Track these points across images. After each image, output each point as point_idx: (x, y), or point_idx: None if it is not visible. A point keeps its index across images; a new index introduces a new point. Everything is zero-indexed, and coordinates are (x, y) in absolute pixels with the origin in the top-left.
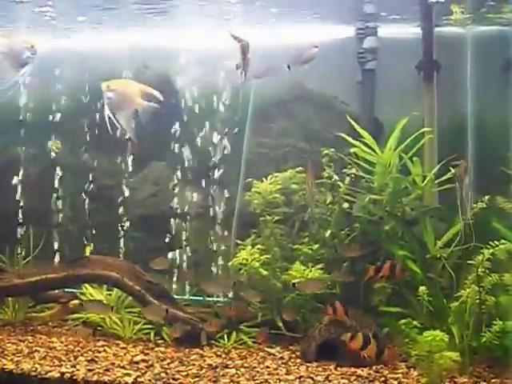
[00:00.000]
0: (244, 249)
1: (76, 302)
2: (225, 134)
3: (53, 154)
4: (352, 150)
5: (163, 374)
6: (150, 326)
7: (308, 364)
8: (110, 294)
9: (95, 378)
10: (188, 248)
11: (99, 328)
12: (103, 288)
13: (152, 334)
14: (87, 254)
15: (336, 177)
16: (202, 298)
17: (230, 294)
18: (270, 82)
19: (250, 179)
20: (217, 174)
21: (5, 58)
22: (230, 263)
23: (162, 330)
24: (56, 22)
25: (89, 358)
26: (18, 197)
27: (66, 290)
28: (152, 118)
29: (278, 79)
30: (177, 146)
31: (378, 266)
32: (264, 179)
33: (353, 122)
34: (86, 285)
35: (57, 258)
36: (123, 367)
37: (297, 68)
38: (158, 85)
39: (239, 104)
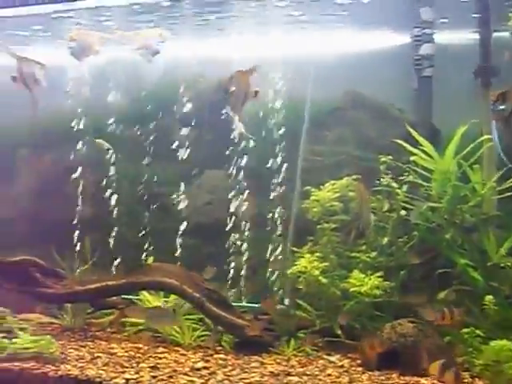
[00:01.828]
0: (302, 257)
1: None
2: (280, 142)
3: (110, 161)
4: (412, 158)
5: (226, 382)
6: (208, 333)
7: (370, 372)
8: (166, 301)
9: None
10: (244, 255)
11: (157, 334)
12: (160, 295)
13: (207, 340)
14: (146, 261)
15: (395, 184)
16: (258, 305)
17: (287, 302)
18: (324, 90)
19: (307, 187)
20: (272, 181)
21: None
22: (288, 271)
23: (220, 337)
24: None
25: (151, 365)
26: (76, 204)
27: (124, 296)
28: (208, 127)
29: (332, 86)
30: (232, 154)
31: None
32: (321, 187)
33: (411, 130)
34: (144, 292)
35: (114, 266)
36: (186, 374)
37: (352, 75)
38: (213, 94)
39: (295, 112)
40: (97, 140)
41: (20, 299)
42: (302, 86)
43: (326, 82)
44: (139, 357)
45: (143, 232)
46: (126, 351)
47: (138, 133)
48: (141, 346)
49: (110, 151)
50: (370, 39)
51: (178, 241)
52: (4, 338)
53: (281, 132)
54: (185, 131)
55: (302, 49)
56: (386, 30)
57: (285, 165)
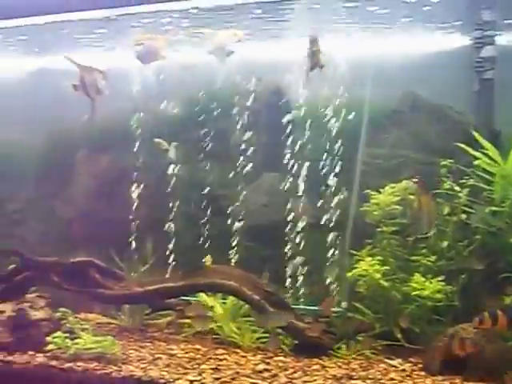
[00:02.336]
0: (362, 260)
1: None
2: (338, 145)
3: (170, 158)
4: (476, 163)
5: None
6: (267, 335)
7: (433, 377)
8: (224, 303)
9: None
10: (301, 258)
11: (216, 336)
12: (218, 296)
13: (267, 342)
14: (205, 263)
15: (457, 188)
16: (317, 308)
17: (344, 304)
18: (383, 92)
19: (367, 190)
20: (330, 184)
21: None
22: (347, 274)
23: (283, 340)
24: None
25: (212, 367)
26: (133, 206)
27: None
28: (265, 130)
29: (392, 88)
30: (289, 156)
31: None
32: (381, 190)
33: (474, 132)
34: (201, 293)
35: (172, 267)
36: (248, 376)
37: (412, 77)
38: (270, 97)
39: (353, 115)
40: (156, 140)
41: (78, 299)
42: (361, 87)
43: (386, 84)
44: (199, 358)
45: (200, 234)
46: (186, 352)
47: (196, 135)
48: (200, 347)
49: (169, 150)
50: (429, 41)
51: (235, 243)
52: (66, 338)
53: (339, 134)
54: (242, 133)
55: (362, 50)
56: (446, 32)
57: (343, 167)
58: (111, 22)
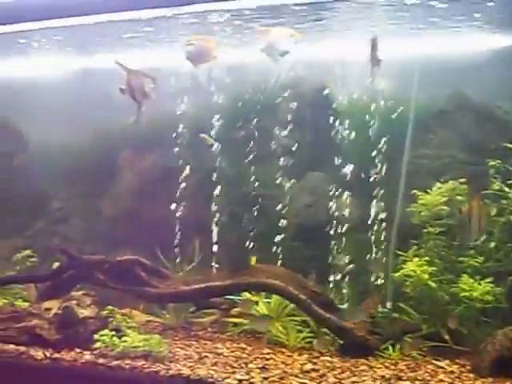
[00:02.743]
0: (409, 260)
1: (238, 309)
2: (382, 145)
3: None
4: None
5: None
6: (312, 335)
7: (483, 379)
8: (269, 302)
9: None
10: (345, 258)
11: (261, 335)
12: (262, 296)
13: (315, 343)
14: (251, 262)
15: (506, 188)
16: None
17: (389, 305)
18: (429, 92)
19: (414, 191)
20: (374, 184)
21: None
22: (394, 274)
23: (325, 339)
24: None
25: (260, 366)
26: (178, 205)
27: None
28: (310, 129)
29: (438, 88)
30: (333, 156)
31: None
32: (428, 190)
33: None
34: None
35: (216, 266)
36: (296, 376)
37: (458, 76)
38: (313, 96)
39: (399, 114)
40: (201, 135)
41: (123, 297)
42: (408, 87)
43: (432, 84)
44: (246, 357)
45: (245, 233)
46: (232, 351)
47: (241, 135)
48: (245, 346)
49: (215, 146)
50: (477, 40)
51: (279, 242)
52: (113, 336)
53: (385, 134)
54: (287, 133)
55: (408, 50)
56: (493, 31)
57: (388, 167)
58: (159, 22)
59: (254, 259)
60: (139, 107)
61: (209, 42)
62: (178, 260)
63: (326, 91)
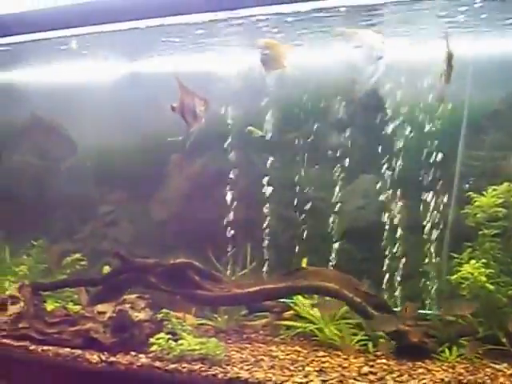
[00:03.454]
0: (464, 263)
1: (291, 312)
2: (436, 147)
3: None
4: None
5: None
6: (367, 338)
7: None
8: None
9: None
10: (398, 260)
11: (315, 338)
12: (314, 298)
13: (370, 346)
14: (303, 265)
15: None
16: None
17: (444, 308)
18: (483, 93)
19: (469, 193)
20: (427, 186)
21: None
22: (449, 277)
23: (379, 342)
24: None
25: (317, 369)
26: (229, 208)
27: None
28: (362, 132)
29: (492, 88)
30: (385, 158)
31: None
32: (484, 193)
33: None
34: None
35: (268, 269)
36: (355, 379)
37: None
38: (366, 99)
39: (452, 115)
40: (248, 128)
41: (176, 301)
42: (461, 87)
43: (486, 84)
44: (302, 360)
45: (297, 236)
46: (287, 354)
47: (293, 137)
48: (300, 349)
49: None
50: None
51: (332, 245)
52: (169, 339)
53: (437, 135)
54: (339, 135)
55: (462, 49)
56: None
57: (441, 169)
58: (210, 25)
59: (304, 261)
60: (188, 128)
61: (281, 47)
62: (229, 263)
63: (379, 93)
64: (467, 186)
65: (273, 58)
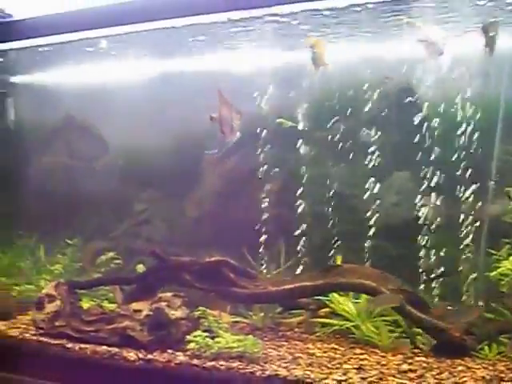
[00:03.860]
0: (503, 259)
1: (327, 309)
2: (471, 142)
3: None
4: None
5: None
6: (404, 335)
7: None
8: (357, 302)
9: None
10: (433, 257)
11: (351, 336)
12: (350, 296)
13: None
14: (338, 262)
15: None
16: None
17: (481, 305)
18: None
19: (508, 188)
20: (463, 182)
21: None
22: (487, 273)
23: (416, 339)
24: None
25: (355, 366)
26: (262, 206)
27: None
28: (396, 128)
29: None
30: (420, 155)
31: None
32: None
33: None
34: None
35: (302, 267)
36: (394, 376)
37: None
38: (399, 95)
39: (488, 110)
40: (279, 119)
41: (211, 298)
42: (497, 82)
43: None
44: (340, 358)
45: (331, 233)
46: (325, 352)
47: (326, 134)
48: (336, 346)
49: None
50: None
51: (366, 242)
52: (206, 337)
53: (473, 131)
54: (372, 132)
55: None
56: None
57: (477, 165)
58: (240, 24)
59: (339, 258)
60: (224, 140)
61: (324, 46)
62: (264, 261)
63: (412, 90)
64: (504, 181)
65: (319, 55)
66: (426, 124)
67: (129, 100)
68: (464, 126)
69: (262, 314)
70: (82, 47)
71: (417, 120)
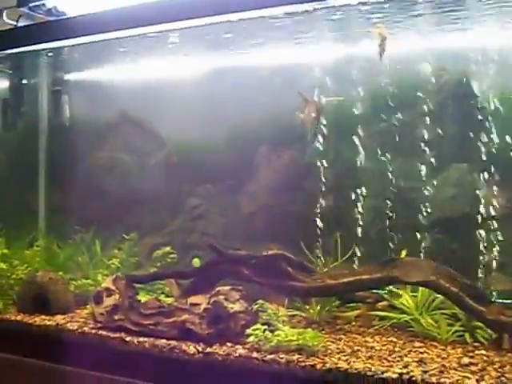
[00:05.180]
0: None
1: (385, 303)
2: None
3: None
4: None
5: (503, 379)
6: (463, 328)
7: None
8: (415, 296)
9: (433, 379)
10: (492, 251)
11: (410, 329)
12: (407, 289)
13: (467, 336)
14: (399, 256)
15: None
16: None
17: None
18: None
19: None
20: None
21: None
22: None
23: (476, 332)
24: None
25: (416, 359)
26: (318, 200)
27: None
28: (452, 121)
29: None
30: (477, 147)
31: None
32: None
33: None
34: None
35: (359, 260)
36: (456, 369)
37: None
38: (455, 87)
39: None
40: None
41: (268, 292)
42: None
43: None
44: (399, 351)
45: (388, 227)
46: (383, 345)
47: (382, 127)
48: (395, 340)
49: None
50: None
51: (424, 235)
52: (265, 330)
53: None
54: (429, 125)
55: None
56: None
57: None
58: (305, 16)
59: (404, 252)
60: (308, 135)
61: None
62: (320, 254)
63: (469, 82)
64: None
65: (385, 47)
66: (483, 116)
67: (184, 95)
68: None
69: (319, 308)
70: (141, 42)
71: (474, 111)
